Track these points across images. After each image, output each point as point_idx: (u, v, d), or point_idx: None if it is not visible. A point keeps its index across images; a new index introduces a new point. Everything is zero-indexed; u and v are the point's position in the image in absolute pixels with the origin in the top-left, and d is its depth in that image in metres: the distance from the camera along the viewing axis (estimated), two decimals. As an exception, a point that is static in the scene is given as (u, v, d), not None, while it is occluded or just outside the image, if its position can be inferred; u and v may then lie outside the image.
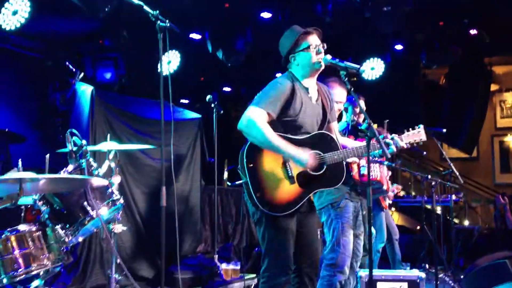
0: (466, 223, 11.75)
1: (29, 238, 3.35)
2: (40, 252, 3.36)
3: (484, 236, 9.74)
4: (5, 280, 3.23)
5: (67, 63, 8.16)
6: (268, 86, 3.70)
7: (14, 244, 3.29)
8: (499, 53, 11.50)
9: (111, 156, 4.34)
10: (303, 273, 3.73)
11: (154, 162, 6.99)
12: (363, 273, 4.89)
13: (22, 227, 3.40)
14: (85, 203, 3.50)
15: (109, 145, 4.59)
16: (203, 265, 7.02)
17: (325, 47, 3.80)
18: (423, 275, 4.98)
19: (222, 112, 7.14)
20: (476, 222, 12.12)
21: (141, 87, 9.68)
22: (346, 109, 5.52)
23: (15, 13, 6.58)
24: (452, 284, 7.17)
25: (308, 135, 3.74)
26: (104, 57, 8.49)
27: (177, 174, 7.40)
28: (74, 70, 7.70)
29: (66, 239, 3.48)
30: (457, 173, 6.39)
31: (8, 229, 3.33)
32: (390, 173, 5.79)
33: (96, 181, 3.31)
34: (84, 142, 3.53)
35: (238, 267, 6.87)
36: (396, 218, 11.83)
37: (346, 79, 3.62)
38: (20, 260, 3.28)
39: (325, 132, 3.84)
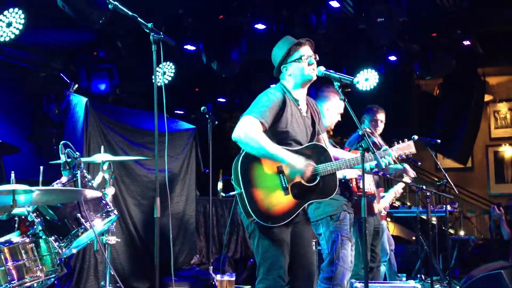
0: (462, 233, 11.75)
1: (23, 250, 3.33)
2: (34, 264, 3.34)
3: (479, 246, 9.73)
4: (-2, 293, 3.21)
5: (61, 74, 8.16)
6: (260, 96, 3.70)
7: (7, 256, 3.26)
8: (492, 63, 11.57)
9: (105, 167, 4.34)
10: (299, 283, 3.71)
11: (149, 173, 6.98)
12: (359, 284, 4.87)
13: (15, 239, 3.37)
14: (79, 214, 3.48)
15: (103, 157, 4.58)
16: (198, 276, 6.99)
17: (317, 58, 3.80)
18: (418, 286, 4.98)
19: (216, 123, 7.14)
20: (471, 232, 12.13)
21: (136, 98, 9.70)
22: (363, 120, 5.58)
23: (9, 24, 6.57)
24: (448, 294, 7.16)
25: (301, 147, 3.73)
26: (99, 68, 8.49)
27: (172, 185, 7.39)
28: (68, 81, 7.70)
29: (60, 251, 3.46)
30: (452, 184, 6.40)
31: (1, 241, 3.30)
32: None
33: (90, 193, 3.30)
34: (77, 153, 3.52)
35: (233, 279, 6.82)
36: (391, 229, 11.84)
37: (340, 90, 3.62)
38: (14, 272, 3.25)
39: (317, 143, 3.84)
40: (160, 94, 3.54)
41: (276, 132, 3.66)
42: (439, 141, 6.53)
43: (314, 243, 6.40)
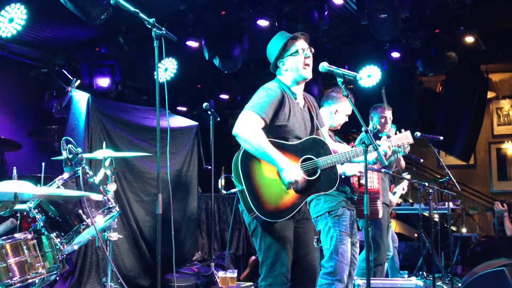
0: (464, 230, 11.73)
1: (24, 246, 3.31)
2: (36, 261, 3.33)
3: (481, 243, 9.72)
4: (-1, 289, 3.20)
5: (63, 70, 8.16)
6: (259, 92, 3.69)
7: (9, 252, 3.25)
8: (495, 60, 11.52)
9: (107, 163, 4.32)
10: (301, 282, 3.71)
11: (151, 170, 6.97)
12: (361, 281, 4.87)
13: (17, 235, 3.36)
14: (80, 211, 3.47)
15: (104, 153, 4.57)
16: (200, 273, 6.99)
17: (313, 51, 3.79)
18: (420, 283, 4.97)
19: (218, 119, 7.14)
20: (473, 229, 12.11)
21: (138, 94, 9.70)
22: (371, 118, 5.59)
23: (11, 20, 6.57)
24: (450, 292, 7.15)
25: (300, 140, 3.73)
26: (101, 64, 8.50)
27: (174, 181, 7.38)
28: (70, 77, 7.70)
29: (62, 247, 3.45)
30: (455, 181, 6.38)
31: (3, 237, 3.30)
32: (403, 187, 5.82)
33: (91, 196, 3.28)
34: (79, 149, 3.51)
35: (235, 275, 6.83)
36: (393, 226, 11.81)
37: (343, 86, 3.61)
38: (15, 268, 3.24)
39: (317, 137, 3.84)
40: (162, 91, 3.54)
41: (275, 126, 3.65)
42: (441, 138, 6.51)
43: (315, 240, 6.42)
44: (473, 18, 8.85)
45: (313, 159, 3.69)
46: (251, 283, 6.89)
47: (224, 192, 8.98)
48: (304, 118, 3.82)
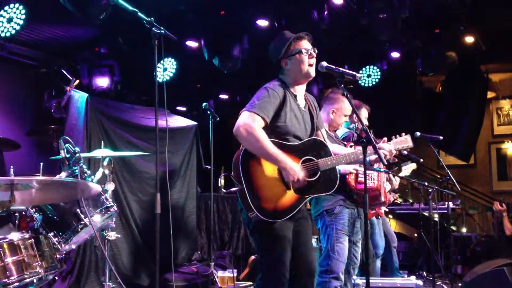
0: (464, 230, 11.72)
1: (22, 246, 3.31)
2: (33, 260, 3.32)
3: (481, 243, 9.70)
4: (-3, 289, 3.19)
5: (62, 70, 8.16)
6: (260, 91, 3.68)
7: (7, 251, 3.25)
8: (495, 60, 11.51)
9: (105, 163, 4.32)
10: (299, 281, 3.70)
11: (150, 169, 6.96)
12: (360, 280, 4.86)
13: (15, 234, 3.35)
14: (78, 210, 3.46)
15: (103, 152, 4.56)
16: (199, 272, 6.98)
17: (316, 51, 3.78)
18: (420, 282, 4.96)
19: (218, 119, 7.14)
20: (473, 229, 12.09)
21: (137, 94, 9.69)
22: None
23: (10, 20, 6.56)
24: (450, 292, 7.14)
25: (301, 141, 3.72)
26: (100, 64, 8.49)
27: (173, 181, 7.37)
28: (69, 77, 7.69)
29: (59, 247, 3.44)
30: (454, 181, 6.37)
31: (0, 237, 3.29)
32: (393, 185, 5.79)
33: (87, 186, 3.27)
34: (77, 149, 3.50)
35: (234, 275, 6.83)
36: (393, 226, 11.79)
37: (342, 85, 3.60)
38: (13, 268, 3.23)
39: (317, 138, 3.83)
40: (161, 90, 3.53)
41: (276, 126, 3.64)
42: (441, 137, 6.50)
43: (315, 239, 6.41)
44: (473, 18, 8.84)
45: (314, 160, 3.68)
46: (250, 283, 6.88)
47: (223, 191, 8.98)
48: (304, 118, 3.81)
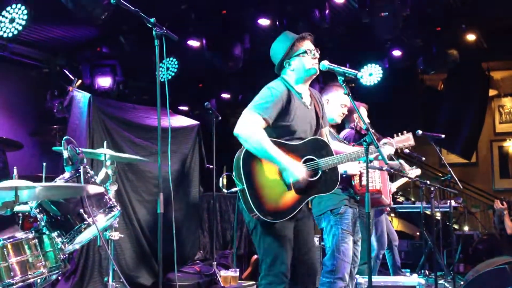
0: (466, 228, 11.72)
1: (26, 246, 3.32)
2: (37, 260, 3.33)
3: (483, 241, 9.71)
4: (1, 289, 3.21)
5: (64, 70, 8.17)
6: (263, 91, 3.68)
7: (11, 251, 3.26)
8: (497, 58, 11.51)
9: (108, 163, 4.33)
10: (301, 280, 3.70)
11: (153, 169, 6.97)
12: (363, 279, 4.87)
13: (19, 234, 3.36)
14: (82, 210, 3.47)
15: (106, 152, 4.57)
16: (202, 272, 6.99)
17: (318, 52, 3.79)
18: (422, 281, 4.97)
19: (220, 118, 7.14)
20: (475, 227, 12.09)
21: (139, 94, 9.70)
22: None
23: (12, 20, 6.57)
24: (452, 290, 7.15)
25: (302, 141, 3.72)
26: (102, 64, 8.50)
27: (176, 180, 7.37)
28: (71, 77, 7.70)
29: (63, 247, 3.45)
30: (456, 179, 6.37)
31: (4, 237, 3.30)
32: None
33: (91, 189, 3.28)
34: (80, 149, 3.51)
35: (237, 274, 6.84)
36: (395, 224, 11.82)
37: (344, 84, 3.60)
38: (17, 268, 3.25)
39: (319, 137, 3.82)
40: (163, 90, 3.54)
41: (279, 126, 3.64)
42: (443, 136, 6.50)
43: (317, 238, 6.42)
44: (475, 16, 8.84)
45: (315, 159, 3.68)
46: (253, 282, 6.89)
47: (225, 191, 8.99)
48: (309, 117, 3.81)
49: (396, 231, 11.43)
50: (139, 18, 3.53)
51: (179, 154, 7.58)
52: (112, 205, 3.70)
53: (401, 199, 8.33)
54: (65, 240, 3.47)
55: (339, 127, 5.27)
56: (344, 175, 4.65)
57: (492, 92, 12.74)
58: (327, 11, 7.85)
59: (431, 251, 7.90)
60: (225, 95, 11.06)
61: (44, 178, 4.12)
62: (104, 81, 8.44)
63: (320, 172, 3.67)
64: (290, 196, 3.58)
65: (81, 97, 6.68)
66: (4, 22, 6.60)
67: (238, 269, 6.96)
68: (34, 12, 6.60)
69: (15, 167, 3.26)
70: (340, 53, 9.37)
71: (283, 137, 3.64)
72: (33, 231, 3.41)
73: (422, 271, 8.27)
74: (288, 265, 3.58)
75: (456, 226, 11.58)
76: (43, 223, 3.46)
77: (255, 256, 7.73)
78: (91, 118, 6.43)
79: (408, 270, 7.13)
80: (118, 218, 4.14)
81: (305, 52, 3.74)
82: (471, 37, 9.30)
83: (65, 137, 3.52)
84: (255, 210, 3.47)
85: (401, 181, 7.21)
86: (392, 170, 5.56)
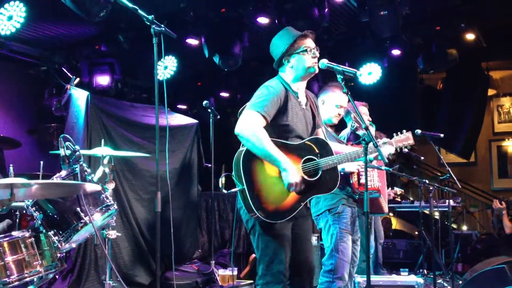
0: (464, 228, 11.71)
1: (22, 244, 3.30)
2: (33, 259, 3.31)
3: (482, 241, 9.70)
4: (-3, 288, 3.19)
5: (63, 68, 8.15)
6: (261, 90, 3.66)
7: (7, 250, 3.24)
8: (496, 57, 11.50)
9: (105, 161, 4.31)
10: (299, 280, 3.69)
11: (151, 168, 6.95)
12: (361, 279, 4.85)
13: (15, 233, 3.35)
14: (78, 208, 3.46)
15: (103, 151, 4.56)
16: (200, 271, 6.98)
17: (318, 50, 3.77)
18: (421, 280, 4.95)
19: (218, 117, 7.13)
20: (474, 227, 12.09)
21: (138, 92, 9.68)
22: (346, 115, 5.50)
23: (10, 18, 6.56)
24: (451, 289, 7.14)
25: (302, 141, 3.70)
26: (101, 62, 8.48)
27: (174, 179, 7.36)
28: (70, 75, 7.68)
29: (60, 245, 3.44)
30: (455, 178, 6.37)
31: (0, 235, 3.28)
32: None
33: (88, 187, 3.27)
34: (77, 147, 3.49)
35: (235, 273, 6.83)
36: (394, 223, 11.82)
37: (343, 83, 3.59)
38: (13, 267, 3.23)
39: (319, 137, 3.81)
40: (162, 88, 3.52)
41: (277, 125, 3.62)
42: (442, 135, 6.50)
43: (316, 238, 6.40)
44: (474, 15, 8.82)
45: (315, 159, 3.67)
46: (251, 281, 6.87)
47: (224, 191, 8.96)
48: (305, 116, 3.79)
49: (395, 230, 11.44)
50: (138, 16, 3.52)
51: (178, 153, 7.56)
52: (109, 203, 3.69)
53: (399, 198, 8.28)
54: (61, 239, 3.45)
55: (337, 127, 5.25)
56: (342, 173, 4.64)
57: (491, 92, 12.72)
58: (326, 10, 7.82)
59: (429, 250, 7.89)
60: (224, 94, 11.04)
61: (41, 176, 4.11)
62: (103, 79, 8.42)
63: (320, 172, 3.65)
64: (290, 196, 3.56)
65: (79, 95, 6.67)
66: (2, 19, 6.58)
67: (236, 268, 6.94)
68: (32, 10, 6.58)
69: (11, 165, 3.24)
70: (339, 51, 9.36)
71: (282, 136, 3.63)
72: (29, 230, 3.39)
73: (421, 270, 8.26)
74: (286, 264, 3.57)
75: (454, 226, 11.57)
76: (39, 222, 3.44)
77: (253, 255, 7.72)
78: (89, 117, 6.41)
79: (407, 269, 7.10)
80: (116, 216, 4.13)
81: (306, 50, 3.71)
82: (470, 36, 9.28)
83: (62, 135, 3.51)
84: (255, 210, 3.45)
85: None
86: (391, 170, 5.55)
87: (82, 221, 3.47)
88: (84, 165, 3.58)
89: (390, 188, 7.48)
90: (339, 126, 5.27)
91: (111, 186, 4.17)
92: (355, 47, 9.57)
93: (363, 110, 5.67)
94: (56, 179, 3.50)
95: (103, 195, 3.67)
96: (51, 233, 3.44)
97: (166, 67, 8.80)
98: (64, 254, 3.61)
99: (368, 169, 3.78)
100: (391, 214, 11.32)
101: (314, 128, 3.87)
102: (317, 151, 3.70)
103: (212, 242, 7.40)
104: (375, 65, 9.62)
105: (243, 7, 8.11)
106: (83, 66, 8.53)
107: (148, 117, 7.20)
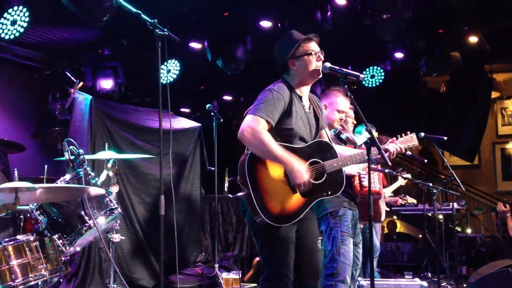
0: (469, 231, 11.69)
1: (27, 248, 3.31)
2: (38, 262, 3.32)
3: (486, 244, 9.68)
4: (2, 291, 3.20)
5: (66, 72, 8.17)
6: (265, 93, 3.64)
7: (12, 254, 3.25)
8: (499, 60, 11.48)
9: (109, 165, 4.32)
10: (304, 282, 3.68)
11: (154, 171, 6.96)
12: (365, 282, 4.85)
13: (20, 237, 3.36)
14: (83, 212, 3.46)
15: (107, 154, 4.57)
16: (204, 274, 6.98)
17: (323, 53, 3.77)
18: (425, 284, 4.95)
19: (222, 120, 7.14)
20: (478, 230, 12.07)
21: (141, 96, 9.70)
22: None
23: (14, 22, 6.58)
24: (455, 292, 7.12)
25: (307, 144, 3.70)
26: (104, 66, 8.50)
27: (177, 182, 7.37)
28: (73, 79, 7.71)
29: (64, 249, 3.44)
30: (459, 181, 6.36)
31: (5, 239, 3.29)
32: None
33: (92, 190, 3.27)
34: (81, 151, 3.50)
35: (239, 277, 6.82)
36: (398, 226, 11.80)
37: (346, 86, 3.58)
38: (18, 270, 3.24)
39: (323, 140, 3.80)
40: (165, 92, 3.53)
41: (281, 129, 3.61)
42: (445, 138, 6.49)
43: (319, 241, 6.39)
44: (477, 18, 8.81)
45: (320, 162, 3.66)
46: (255, 285, 6.88)
47: (230, 196, 8.97)
48: (309, 120, 3.79)
49: (399, 233, 11.42)
50: (141, 20, 3.53)
51: (181, 156, 7.57)
52: (113, 207, 3.69)
53: (403, 202, 8.27)
54: (66, 242, 3.46)
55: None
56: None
57: (494, 94, 12.71)
58: (329, 13, 7.83)
59: (433, 253, 7.88)
60: (227, 97, 11.06)
61: (46, 180, 4.12)
62: (106, 83, 8.44)
63: (325, 175, 3.65)
64: (296, 199, 3.55)
65: (83, 99, 6.68)
66: (6, 24, 6.61)
67: (240, 271, 6.94)
68: (35, 14, 6.60)
69: (15, 169, 3.25)
70: (342, 55, 9.36)
71: (286, 139, 3.62)
72: (34, 234, 3.40)
73: (425, 273, 8.25)
74: (291, 267, 3.56)
75: (458, 229, 11.55)
76: (44, 226, 3.45)
77: (257, 258, 7.72)
78: (92, 120, 6.43)
79: (411, 272, 7.10)
80: (119, 220, 4.14)
81: (310, 53, 3.70)
82: (473, 39, 9.28)
83: (66, 139, 3.52)
84: (260, 214, 3.43)
85: (396, 185, 7.19)
86: (394, 173, 5.55)
87: (86, 224, 3.48)
88: (88, 169, 3.59)
89: (402, 195, 7.49)
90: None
91: (115, 189, 4.18)
92: (358, 50, 9.58)
93: (350, 113, 5.66)
94: (60, 183, 3.51)
95: (107, 199, 3.68)
96: (55, 236, 3.44)
97: (169, 70, 8.82)
98: (68, 257, 3.62)
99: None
100: (395, 217, 11.32)
101: (318, 131, 3.87)
102: (322, 154, 3.70)
103: (215, 245, 7.40)
104: (378, 68, 9.62)
105: (246, 10, 8.12)
106: (87, 70, 8.55)
107: (152, 121, 7.22)
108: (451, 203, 7.72)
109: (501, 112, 13.64)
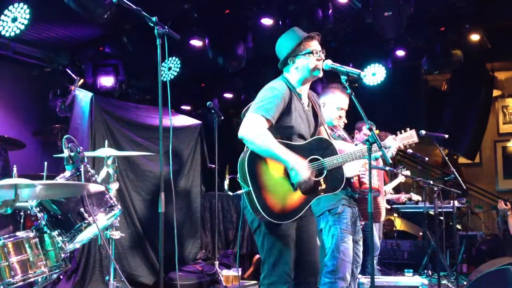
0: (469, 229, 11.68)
1: (27, 245, 3.31)
2: (38, 259, 3.32)
3: (487, 242, 9.68)
4: (1, 288, 3.20)
5: (67, 69, 8.18)
6: (265, 91, 3.64)
7: (11, 250, 3.25)
8: (501, 58, 11.46)
9: (109, 162, 4.32)
10: (304, 280, 3.68)
11: (154, 168, 6.96)
12: (365, 279, 4.85)
13: (20, 233, 3.36)
14: (82, 209, 3.46)
15: (107, 151, 4.57)
16: (204, 271, 6.98)
17: (324, 52, 3.76)
18: (425, 281, 4.96)
19: (222, 118, 7.14)
20: (479, 228, 12.06)
21: (142, 94, 9.71)
22: None
23: (14, 20, 6.58)
24: (455, 290, 7.13)
25: (306, 141, 3.70)
26: (105, 64, 8.51)
27: (177, 180, 7.37)
28: (74, 76, 7.71)
29: (64, 246, 3.44)
30: (460, 179, 6.35)
31: (5, 236, 3.29)
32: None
33: (92, 187, 3.27)
34: (81, 148, 3.50)
35: (239, 274, 6.83)
36: (398, 224, 11.79)
37: (347, 84, 3.58)
38: (17, 267, 3.24)
39: (322, 137, 3.81)
40: (166, 89, 3.53)
41: (281, 127, 3.62)
42: (446, 136, 6.48)
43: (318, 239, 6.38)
44: (479, 16, 8.80)
45: (320, 159, 3.66)
46: (255, 282, 6.88)
47: (230, 194, 8.97)
48: (308, 117, 3.79)
49: (399, 231, 11.41)
50: (142, 18, 3.53)
51: (181, 154, 7.57)
52: (113, 204, 3.69)
53: (404, 199, 8.27)
54: (65, 239, 3.46)
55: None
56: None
57: (496, 93, 12.68)
58: (330, 11, 7.82)
59: (434, 251, 7.88)
60: (228, 95, 11.05)
61: (45, 177, 4.12)
62: (107, 81, 8.45)
63: (325, 172, 3.65)
64: (296, 196, 3.56)
65: (83, 97, 6.68)
66: (6, 21, 6.61)
67: (240, 269, 6.94)
68: (36, 11, 6.60)
69: (14, 166, 3.25)
70: (344, 53, 9.36)
71: (285, 137, 3.62)
72: (33, 230, 3.40)
73: (425, 271, 8.25)
74: (291, 264, 3.56)
75: (459, 227, 11.54)
76: (43, 222, 3.45)
77: (257, 256, 7.72)
78: (93, 118, 6.42)
79: (411, 270, 7.10)
80: (119, 217, 4.13)
81: (311, 52, 3.69)
82: (475, 37, 9.26)
83: (66, 136, 3.51)
84: (261, 211, 3.44)
85: (396, 181, 7.19)
86: (394, 170, 5.55)
87: (86, 221, 3.47)
88: (88, 166, 3.59)
89: (404, 192, 7.49)
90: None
91: (115, 186, 4.18)
92: (359, 48, 9.58)
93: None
94: (60, 180, 3.50)
95: (107, 196, 3.68)
96: (55, 233, 3.44)
97: (170, 68, 8.82)
98: (68, 254, 3.62)
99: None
100: (395, 214, 11.31)
101: (316, 128, 3.87)
102: (321, 151, 3.70)
103: (215, 242, 7.41)
104: (379, 66, 9.62)
105: (247, 8, 8.12)
106: (87, 67, 8.56)
107: (152, 118, 7.21)
108: (451, 201, 7.72)
109: (502, 110, 13.61)
